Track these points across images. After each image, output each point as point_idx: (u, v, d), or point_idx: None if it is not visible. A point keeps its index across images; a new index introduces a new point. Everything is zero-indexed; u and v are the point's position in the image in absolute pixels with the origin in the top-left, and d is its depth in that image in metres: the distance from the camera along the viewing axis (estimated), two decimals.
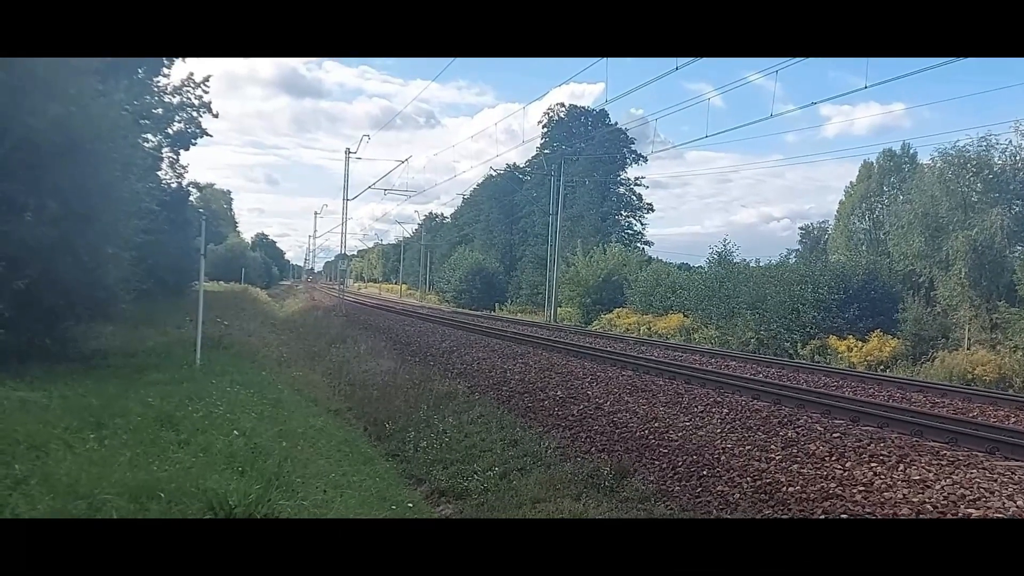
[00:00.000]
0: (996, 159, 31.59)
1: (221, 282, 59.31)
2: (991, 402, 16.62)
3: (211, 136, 38.70)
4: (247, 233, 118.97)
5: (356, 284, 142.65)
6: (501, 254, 79.75)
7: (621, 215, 72.03)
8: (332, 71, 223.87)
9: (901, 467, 9.83)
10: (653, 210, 74.97)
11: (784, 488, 9.63)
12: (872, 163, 49.06)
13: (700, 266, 49.44)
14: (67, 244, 14.16)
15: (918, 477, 9.40)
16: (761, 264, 42.24)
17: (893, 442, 10.96)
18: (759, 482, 9.98)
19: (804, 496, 9.28)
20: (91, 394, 11.09)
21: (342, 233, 55.62)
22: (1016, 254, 29.82)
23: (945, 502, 8.48)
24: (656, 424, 13.17)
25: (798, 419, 12.68)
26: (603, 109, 76.41)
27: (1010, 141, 31.57)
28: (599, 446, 12.61)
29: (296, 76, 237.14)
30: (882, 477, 9.55)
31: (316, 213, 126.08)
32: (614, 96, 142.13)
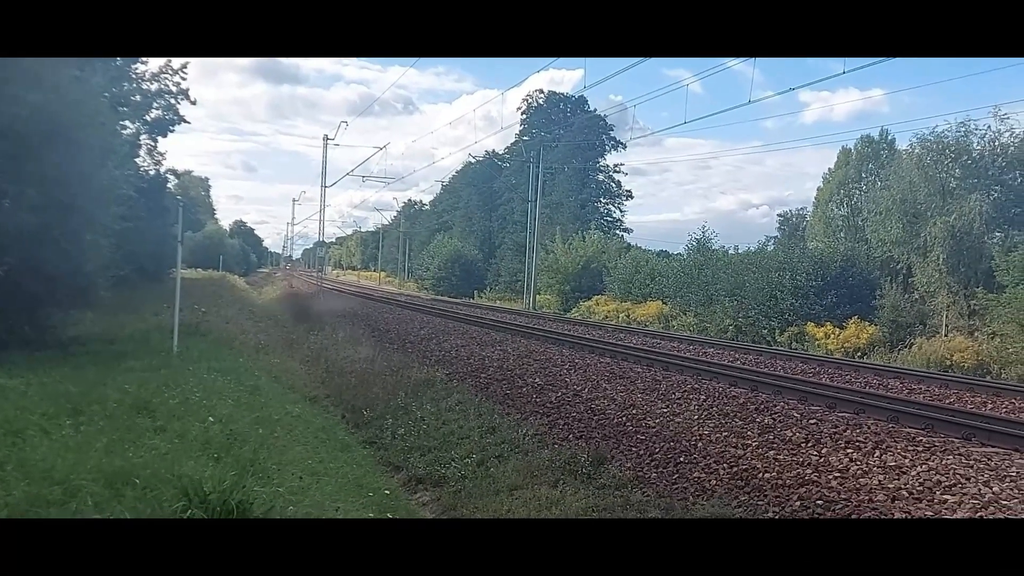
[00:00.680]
0: (975, 145, 31.74)
1: (199, 269, 59.04)
2: (968, 388, 16.76)
3: (189, 123, 38.57)
4: (225, 220, 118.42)
5: (335, 272, 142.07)
6: (480, 241, 79.64)
7: (600, 202, 72.03)
8: (314, 60, 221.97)
9: (877, 453, 9.88)
10: (632, 197, 75.06)
11: (760, 474, 9.67)
12: (850, 149, 49.21)
13: (679, 253, 49.59)
14: (47, 231, 14.07)
15: (894, 463, 9.45)
16: (739, 251, 42.45)
17: (869, 428, 11.02)
18: (735, 468, 10.01)
19: (780, 482, 9.32)
20: (69, 381, 11.06)
21: (320, 220, 55.53)
22: (995, 240, 29.98)
23: (921, 488, 8.53)
24: (634, 411, 13.19)
25: (775, 405, 12.73)
26: (582, 96, 76.38)
27: (988, 127, 31.75)
28: (577, 433, 12.61)
29: (273, 62, 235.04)
30: (858, 463, 9.60)
31: (294, 200, 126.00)
32: (592, 82, 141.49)
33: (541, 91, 77.86)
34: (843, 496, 8.63)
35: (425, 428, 14.17)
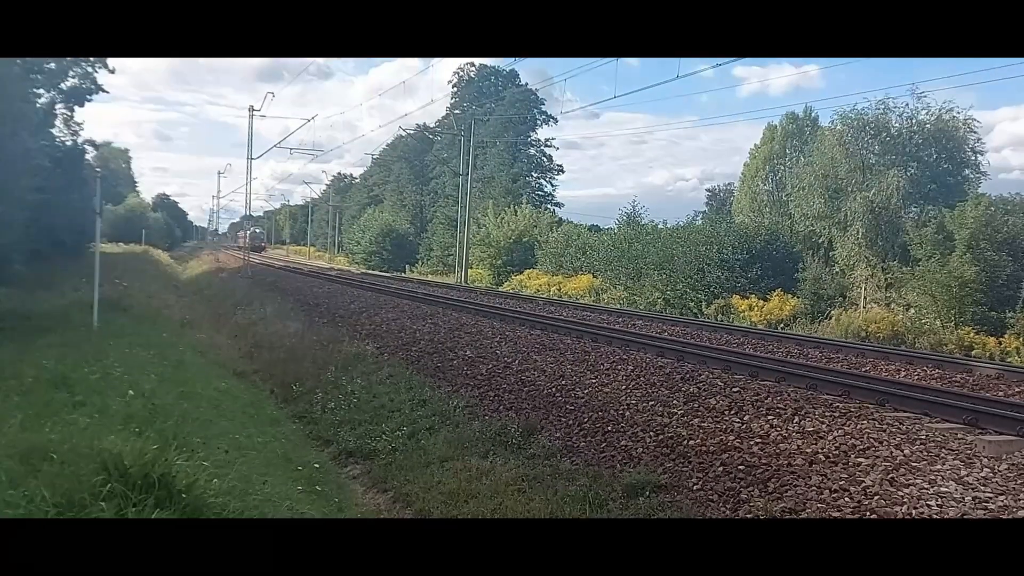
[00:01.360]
0: (893, 122, 32.66)
1: (121, 244, 57.49)
2: (883, 357, 17.28)
3: (108, 92, 37.37)
4: (149, 193, 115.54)
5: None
6: (412, 215, 79.20)
7: (532, 176, 72.09)
8: None
9: (796, 419, 10.16)
10: (564, 171, 75.37)
11: (685, 441, 9.88)
12: (776, 126, 50.18)
13: (610, 227, 50.04)
14: None
15: (812, 428, 9.73)
16: (669, 225, 43.00)
17: (789, 395, 11.31)
18: (662, 436, 10.21)
19: (704, 449, 9.54)
20: None
21: (247, 193, 54.35)
22: (910, 215, 30.94)
23: (837, 452, 8.81)
24: (563, 382, 13.33)
25: (700, 375, 12.98)
26: (513, 69, 76.16)
27: (907, 104, 32.69)
28: (507, 404, 12.72)
29: None
30: (778, 429, 9.86)
31: (220, 173, 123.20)
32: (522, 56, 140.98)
33: (472, 64, 77.55)
34: (763, 461, 8.88)
35: (356, 402, 14.13)
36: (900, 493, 7.57)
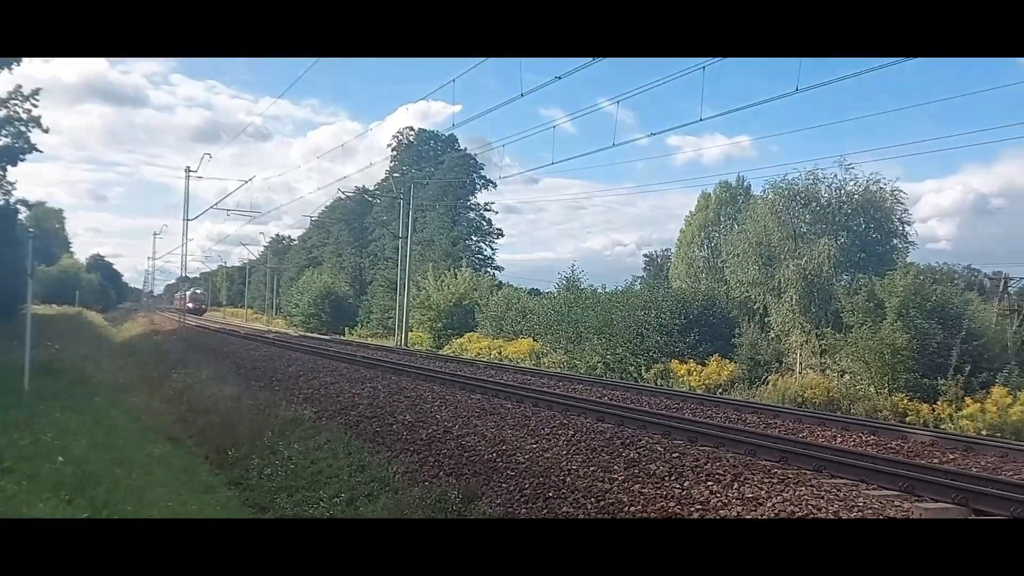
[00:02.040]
0: (823, 192, 33.62)
1: (54, 305, 56.08)
2: (819, 423, 17.55)
3: (41, 152, 36.80)
4: (83, 254, 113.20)
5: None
6: (351, 277, 78.84)
7: (472, 240, 72.45)
8: (180, 84, 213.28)
9: (736, 485, 10.25)
10: (503, 235, 75.84)
11: (627, 508, 9.89)
12: (710, 194, 51.39)
13: (550, 291, 50.32)
14: None
15: (751, 495, 9.82)
16: (608, 290, 43.39)
17: (728, 461, 11.41)
18: (603, 502, 10.21)
19: (645, 515, 9.56)
20: None
21: (183, 254, 53.57)
22: (842, 283, 31.66)
23: (776, 519, 8.90)
24: (504, 447, 13.28)
25: (640, 440, 13.04)
26: (452, 134, 76.85)
27: (835, 175, 33.71)
28: (447, 470, 12.61)
29: (139, 89, 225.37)
30: (718, 495, 9.93)
31: (155, 234, 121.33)
32: (462, 121, 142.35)
33: (411, 128, 78.19)
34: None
35: (293, 468, 13.88)
36: None
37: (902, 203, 33.77)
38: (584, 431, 13.94)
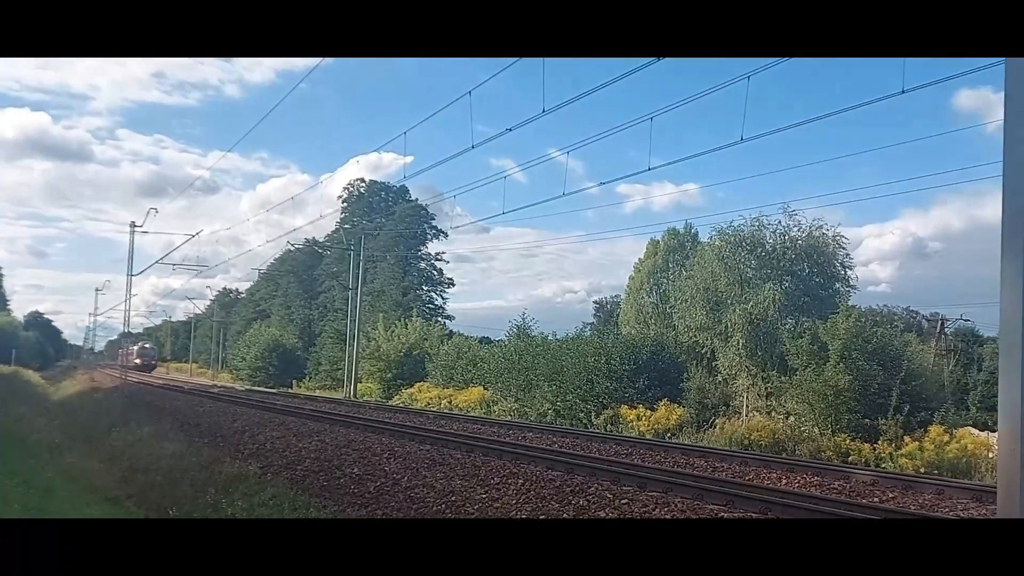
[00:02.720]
0: (768, 238, 34.30)
1: None
2: (765, 465, 17.78)
3: None
4: (20, 311, 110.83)
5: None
6: (300, 330, 78.16)
7: (423, 289, 72.44)
8: (126, 138, 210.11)
9: None
10: (454, 284, 75.96)
11: None
12: (658, 241, 52.10)
13: (501, 339, 50.37)
14: None
15: None
16: (558, 337, 43.58)
17: (676, 506, 11.52)
18: None
19: None
20: None
21: (126, 310, 52.70)
22: (787, 326, 32.19)
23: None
24: (453, 498, 13.23)
25: (589, 487, 13.10)
26: (403, 185, 77.13)
27: (779, 221, 34.43)
28: None
29: (84, 144, 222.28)
30: None
31: (98, 289, 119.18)
32: (413, 172, 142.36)
33: (362, 180, 78.31)
34: None
35: None
36: None
37: (844, 248, 34.51)
38: (534, 479, 13.96)
